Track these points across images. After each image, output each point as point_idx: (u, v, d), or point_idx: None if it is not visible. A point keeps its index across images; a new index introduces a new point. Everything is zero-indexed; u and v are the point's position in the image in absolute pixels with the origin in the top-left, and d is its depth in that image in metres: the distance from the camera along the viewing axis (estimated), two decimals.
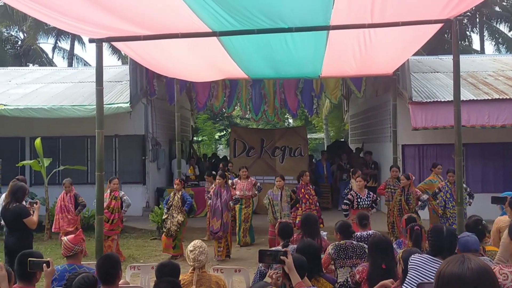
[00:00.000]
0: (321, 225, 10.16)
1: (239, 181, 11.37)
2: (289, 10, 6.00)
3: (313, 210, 10.26)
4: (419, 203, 9.80)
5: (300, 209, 10.45)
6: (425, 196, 9.96)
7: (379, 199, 10.46)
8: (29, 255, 4.12)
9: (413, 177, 10.36)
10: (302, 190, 10.59)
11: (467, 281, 1.74)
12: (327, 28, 6.59)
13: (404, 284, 3.58)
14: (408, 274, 3.54)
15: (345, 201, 9.80)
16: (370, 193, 9.72)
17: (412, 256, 3.76)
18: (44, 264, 4.02)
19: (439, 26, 6.57)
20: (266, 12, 5.96)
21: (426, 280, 3.51)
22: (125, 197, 10.26)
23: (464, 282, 1.74)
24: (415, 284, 3.59)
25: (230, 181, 11.04)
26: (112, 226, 9.98)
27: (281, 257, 3.32)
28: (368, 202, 9.53)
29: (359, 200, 9.57)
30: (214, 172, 11.86)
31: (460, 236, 4.26)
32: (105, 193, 10.01)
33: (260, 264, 5.39)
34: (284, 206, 10.38)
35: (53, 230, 10.83)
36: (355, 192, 9.69)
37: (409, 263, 3.68)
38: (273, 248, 5.63)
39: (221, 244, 10.16)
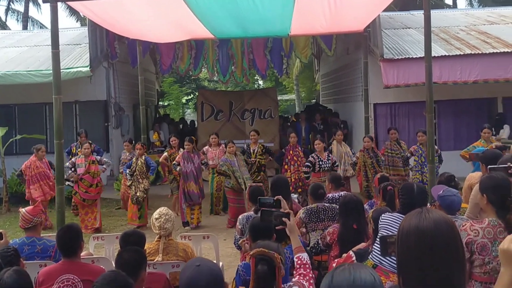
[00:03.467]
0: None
1: (210, 149, 10.98)
2: None
3: (301, 172, 10.26)
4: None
5: (289, 171, 10.42)
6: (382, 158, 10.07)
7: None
8: None
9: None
10: (291, 152, 10.55)
11: (424, 231, 1.77)
12: None
13: (375, 244, 3.62)
14: (379, 234, 3.57)
15: (306, 163, 9.89)
16: (330, 155, 9.78)
17: (383, 215, 3.79)
18: None
19: None
20: None
21: None
22: (104, 159, 10.51)
23: (422, 232, 1.77)
24: None
25: (200, 150, 10.96)
26: (97, 189, 10.10)
27: (283, 219, 3.28)
28: (329, 165, 9.61)
29: (320, 163, 9.67)
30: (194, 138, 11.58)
31: (444, 194, 4.24)
32: (78, 159, 10.07)
33: (236, 232, 5.39)
34: (243, 171, 10.21)
35: (37, 198, 10.04)
36: (316, 155, 9.78)
37: (380, 222, 3.71)
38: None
39: (195, 210, 10.12)
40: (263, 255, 2.85)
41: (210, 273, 2.42)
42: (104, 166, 10.47)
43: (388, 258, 3.01)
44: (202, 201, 10.26)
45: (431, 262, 1.74)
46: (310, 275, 3.25)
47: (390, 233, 3.46)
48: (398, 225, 3.67)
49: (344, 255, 4.13)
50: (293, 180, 10.15)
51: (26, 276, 3.19)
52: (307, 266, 3.29)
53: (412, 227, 1.80)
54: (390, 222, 3.65)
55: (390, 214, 3.83)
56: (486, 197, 3.41)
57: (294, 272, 3.31)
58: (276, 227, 3.35)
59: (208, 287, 2.39)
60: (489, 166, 3.88)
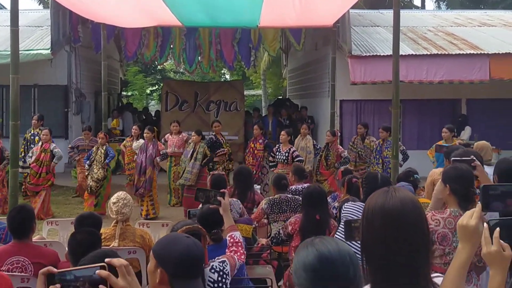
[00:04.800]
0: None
1: (170, 136, 10.89)
2: None
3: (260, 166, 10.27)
4: (341, 159, 9.98)
5: (247, 162, 10.44)
6: (346, 153, 10.14)
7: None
8: None
9: (339, 134, 10.50)
10: (251, 144, 10.59)
11: (390, 210, 1.75)
12: None
13: (337, 233, 3.63)
14: (341, 222, 3.59)
15: (271, 153, 9.95)
16: (292, 148, 9.77)
17: (345, 204, 3.81)
18: None
19: None
20: None
21: None
22: (56, 149, 9.97)
23: (387, 211, 1.75)
24: None
25: (162, 137, 10.85)
26: (39, 180, 9.70)
27: (218, 197, 3.31)
28: (284, 158, 9.58)
29: (277, 153, 9.71)
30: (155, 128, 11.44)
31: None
32: (36, 146, 9.82)
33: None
34: (192, 163, 9.76)
35: None
36: (278, 146, 9.83)
37: (342, 211, 3.73)
38: None
39: (143, 202, 9.93)
40: (189, 231, 2.86)
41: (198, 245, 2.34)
42: (55, 160, 9.93)
43: (353, 243, 3.01)
44: (159, 192, 10.05)
45: (396, 242, 1.73)
46: (242, 251, 3.40)
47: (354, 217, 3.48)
48: (361, 213, 3.71)
49: None
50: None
51: None
52: (239, 244, 3.43)
53: (378, 206, 1.78)
54: (352, 210, 3.67)
55: (353, 202, 3.86)
56: (448, 187, 3.44)
57: (227, 250, 3.42)
58: (210, 206, 3.42)
59: (203, 258, 2.35)
60: (453, 158, 3.93)
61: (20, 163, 9.75)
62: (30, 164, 9.71)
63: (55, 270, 1.44)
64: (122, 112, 16.66)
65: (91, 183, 9.81)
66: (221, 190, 3.40)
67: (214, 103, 15.27)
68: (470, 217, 1.86)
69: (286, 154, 9.61)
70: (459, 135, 12.01)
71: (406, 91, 11.64)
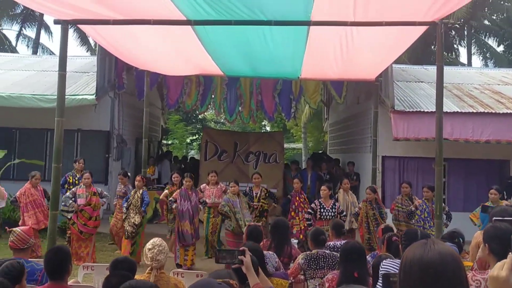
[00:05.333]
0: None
1: (207, 187, 10.89)
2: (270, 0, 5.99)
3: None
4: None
5: (297, 218, 10.27)
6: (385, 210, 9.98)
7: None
8: None
9: (377, 188, 10.37)
10: (297, 198, 10.46)
11: (428, 263, 1.74)
12: (308, 23, 6.60)
13: (377, 285, 3.54)
14: (379, 278, 3.51)
15: (308, 210, 9.78)
16: (337, 204, 9.68)
17: (384, 261, 3.73)
18: None
19: (423, 28, 6.62)
20: (245, 0, 5.93)
21: None
22: (105, 192, 10.40)
23: (426, 264, 1.74)
24: None
25: (198, 188, 10.89)
26: (95, 223, 10.00)
27: (239, 256, 3.24)
28: (332, 214, 9.47)
29: (322, 210, 9.54)
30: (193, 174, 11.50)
31: None
32: (79, 189, 10.04)
33: None
34: (245, 213, 9.95)
35: (32, 226, 9.91)
36: (319, 202, 9.68)
37: (381, 268, 3.65)
38: None
39: (188, 251, 9.91)
40: None
41: None
42: (104, 199, 10.36)
43: None
44: (196, 243, 10.08)
45: None
46: None
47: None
48: None
49: None
50: (302, 227, 10.00)
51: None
52: None
53: (416, 258, 1.78)
54: (392, 267, 3.59)
55: (391, 260, 3.78)
56: (488, 246, 3.36)
57: None
58: (233, 266, 3.33)
59: None
60: (494, 218, 3.84)
61: (64, 208, 10.05)
62: (79, 207, 9.89)
63: None
64: (161, 160, 16.92)
65: (127, 228, 9.89)
66: (241, 248, 3.35)
67: (253, 154, 15.36)
68: (500, 268, 1.82)
69: (333, 210, 9.50)
70: (509, 198, 11.66)
71: (450, 149, 11.49)
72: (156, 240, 4.63)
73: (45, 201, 10.26)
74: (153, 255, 4.49)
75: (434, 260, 1.74)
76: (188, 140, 34.69)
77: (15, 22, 31.21)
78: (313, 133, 31.57)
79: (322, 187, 9.84)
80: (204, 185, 11.09)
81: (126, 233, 9.88)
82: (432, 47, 25.38)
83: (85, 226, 9.89)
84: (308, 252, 5.85)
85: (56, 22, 6.82)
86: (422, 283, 1.73)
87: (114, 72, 14.48)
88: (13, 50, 30.70)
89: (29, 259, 4.82)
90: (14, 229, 4.89)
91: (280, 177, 15.14)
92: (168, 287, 4.52)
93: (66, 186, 10.80)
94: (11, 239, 4.80)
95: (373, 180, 12.21)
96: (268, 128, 35.22)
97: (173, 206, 10.00)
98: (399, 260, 3.79)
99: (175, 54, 9.15)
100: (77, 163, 11.16)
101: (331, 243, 6.47)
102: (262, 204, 10.60)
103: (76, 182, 10.90)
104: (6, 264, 3.59)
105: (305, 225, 9.95)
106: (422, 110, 12.51)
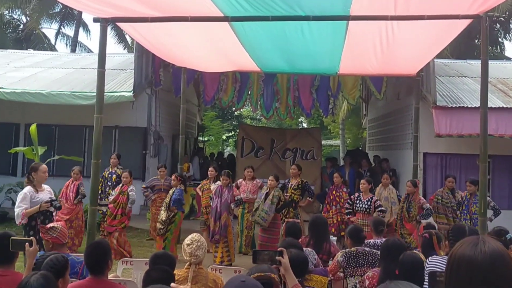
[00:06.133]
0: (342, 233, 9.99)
1: (243, 182, 10.98)
2: None
3: (343, 214, 10.14)
4: (423, 211, 9.73)
5: (330, 211, 10.40)
6: (428, 205, 9.86)
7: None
8: (8, 235, 4.10)
9: (419, 183, 10.27)
10: (334, 192, 10.55)
11: (478, 265, 1.67)
12: (347, 18, 6.58)
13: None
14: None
15: (348, 200, 9.89)
16: (373, 198, 9.62)
17: (430, 257, 3.71)
18: (27, 243, 4.00)
19: (466, 22, 6.52)
20: None
21: None
22: (131, 193, 10.11)
23: (475, 266, 1.67)
24: None
25: (234, 183, 10.96)
26: (113, 221, 9.95)
27: (277, 257, 3.25)
28: (365, 207, 9.45)
29: (358, 202, 9.58)
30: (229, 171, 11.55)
31: None
32: (118, 187, 10.23)
33: None
34: (270, 207, 9.84)
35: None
36: (359, 194, 9.74)
37: (428, 264, 3.64)
38: None
39: (218, 248, 9.82)
40: (261, 279, 2.90)
41: None
42: (129, 203, 10.09)
43: None
44: (226, 239, 9.91)
45: None
46: None
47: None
48: None
49: None
50: (335, 222, 10.05)
51: (52, 283, 3.24)
52: None
53: (465, 258, 1.72)
54: (438, 264, 3.57)
55: (439, 256, 3.75)
56: None
57: None
58: (272, 267, 3.35)
59: None
60: None
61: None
62: (108, 204, 10.09)
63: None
64: (193, 157, 17.05)
65: (157, 224, 9.98)
66: (279, 249, 3.37)
67: (291, 151, 15.34)
68: None
69: (368, 203, 9.48)
70: None
71: (495, 146, 11.26)
72: (194, 235, 4.70)
73: (73, 196, 10.17)
74: (191, 250, 4.56)
75: (485, 266, 1.67)
76: (224, 137, 34.86)
77: (54, 21, 31.90)
78: (351, 130, 31.35)
79: (362, 181, 9.87)
80: (240, 180, 11.17)
81: (157, 230, 10.00)
82: (476, 41, 24.84)
83: (104, 223, 10.07)
84: (347, 250, 5.85)
85: (96, 20, 6.99)
86: (469, 285, 1.68)
87: (151, 69, 14.71)
88: (52, 48, 31.41)
89: (68, 253, 4.97)
90: (52, 225, 5.03)
91: (318, 174, 15.10)
92: (207, 282, 4.58)
93: (101, 179, 10.96)
94: (55, 235, 4.95)
95: (414, 177, 12.05)
96: (305, 125, 35.13)
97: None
98: (446, 257, 3.79)
99: (212, 50, 9.23)
100: (112, 159, 11.45)
101: (371, 240, 6.45)
102: (291, 194, 10.60)
103: (108, 176, 11.19)
104: (50, 257, 3.72)
105: (340, 219, 10.15)
106: (465, 105, 12.30)
